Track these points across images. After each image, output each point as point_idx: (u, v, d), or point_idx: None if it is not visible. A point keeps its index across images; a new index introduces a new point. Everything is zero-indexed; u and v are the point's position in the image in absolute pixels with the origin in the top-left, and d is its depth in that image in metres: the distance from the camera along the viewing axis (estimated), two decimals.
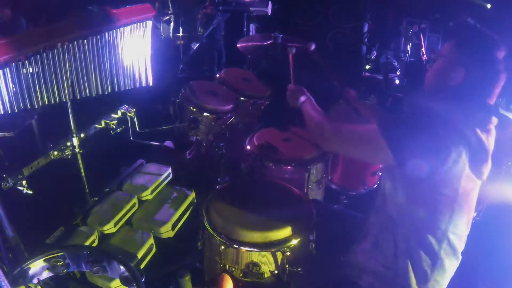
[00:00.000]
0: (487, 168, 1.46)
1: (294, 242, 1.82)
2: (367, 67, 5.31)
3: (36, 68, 1.82)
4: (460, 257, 1.57)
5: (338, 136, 1.66)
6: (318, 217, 1.95)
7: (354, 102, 2.37)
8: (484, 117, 1.43)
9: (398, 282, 1.55)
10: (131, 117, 2.52)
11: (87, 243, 2.24)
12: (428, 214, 1.47)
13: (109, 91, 2.20)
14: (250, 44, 2.77)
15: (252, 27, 5.03)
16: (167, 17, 6.21)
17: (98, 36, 2.04)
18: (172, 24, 6.21)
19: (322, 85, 2.48)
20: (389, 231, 1.56)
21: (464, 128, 1.38)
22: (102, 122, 2.48)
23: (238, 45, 2.73)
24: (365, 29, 4.80)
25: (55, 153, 2.15)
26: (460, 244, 1.55)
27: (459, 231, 1.51)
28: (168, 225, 2.54)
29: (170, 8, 6.18)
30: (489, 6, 4.20)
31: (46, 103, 1.89)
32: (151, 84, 2.36)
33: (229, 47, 5.65)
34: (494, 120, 1.45)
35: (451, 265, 1.55)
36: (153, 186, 2.68)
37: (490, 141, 1.44)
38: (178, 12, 6.12)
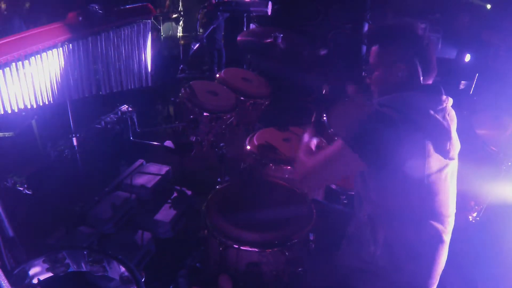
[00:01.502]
0: (453, 146, 1.47)
1: (294, 242, 1.82)
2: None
3: (36, 68, 1.82)
4: (447, 239, 1.54)
5: (315, 174, 1.66)
6: (318, 217, 1.95)
7: (355, 96, 2.36)
8: (431, 99, 1.45)
9: (387, 275, 1.54)
10: (131, 117, 2.52)
11: (87, 243, 2.24)
12: (400, 205, 1.48)
13: (109, 91, 2.20)
14: (250, 38, 2.77)
15: (252, 27, 5.03)
16: (176, 15, 6.23)
17: (98, 36, 2.04)
18: (181, 23, 6.24)
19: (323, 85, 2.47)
20: (367, 228, 1.56)
21: (416, 114, 1.40)
22: (102, 122, 2.48)
23: (238, 38, 2.72)
24: (365, 29, 4.79)
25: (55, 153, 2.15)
26: (443, 227, 1.52)
27: (436, 213, 1.50)
28: (168, 225, 2.54)
29: (180, 7, 6.20)
30: (489, 6, 4.20)
31: (46, 103, 1.89)
32: (149, 84, 2.36)
33: (229, 47, 5.65)
34: (447, 99, 1.47)
35: (435, 250, 1.53)
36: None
37: (448, 119, 1.46)
38: (188, 12, 6.15)
